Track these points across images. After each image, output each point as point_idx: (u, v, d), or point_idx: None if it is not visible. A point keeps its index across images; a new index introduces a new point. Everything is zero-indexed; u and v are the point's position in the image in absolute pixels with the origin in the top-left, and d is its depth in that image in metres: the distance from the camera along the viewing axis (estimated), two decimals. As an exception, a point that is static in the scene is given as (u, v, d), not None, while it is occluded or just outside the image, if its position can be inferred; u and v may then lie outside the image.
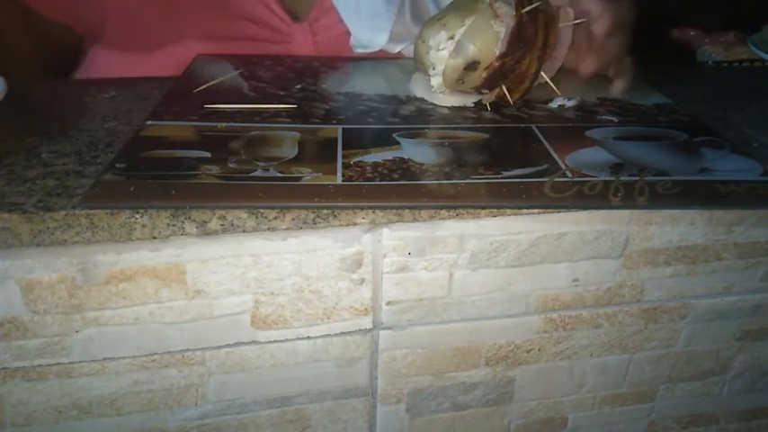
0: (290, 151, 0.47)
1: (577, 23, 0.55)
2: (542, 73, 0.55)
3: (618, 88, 0.58)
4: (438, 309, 0.47)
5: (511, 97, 0.55)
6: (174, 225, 0.40)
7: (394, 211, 0.42)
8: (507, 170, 0.45)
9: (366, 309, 0.46)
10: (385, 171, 0.44)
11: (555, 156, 0.47)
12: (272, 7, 0.68)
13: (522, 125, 0.53)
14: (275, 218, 0.41)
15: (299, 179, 0.43)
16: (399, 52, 0.68)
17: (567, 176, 0.45)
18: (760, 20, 0.68)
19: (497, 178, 0.44)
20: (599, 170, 0.45)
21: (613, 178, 0.44)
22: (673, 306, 0.50)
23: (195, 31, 0.67)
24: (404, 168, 0.45)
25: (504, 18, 0.51)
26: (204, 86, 0.57)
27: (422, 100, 0.57)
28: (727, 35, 0.89)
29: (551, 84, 0.56)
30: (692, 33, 0.92)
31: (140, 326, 0.43)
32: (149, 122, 0.50)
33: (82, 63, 0.70)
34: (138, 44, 0.67)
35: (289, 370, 0.47)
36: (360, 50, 0.66)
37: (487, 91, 0.55)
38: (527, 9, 0.51)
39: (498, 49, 0.51)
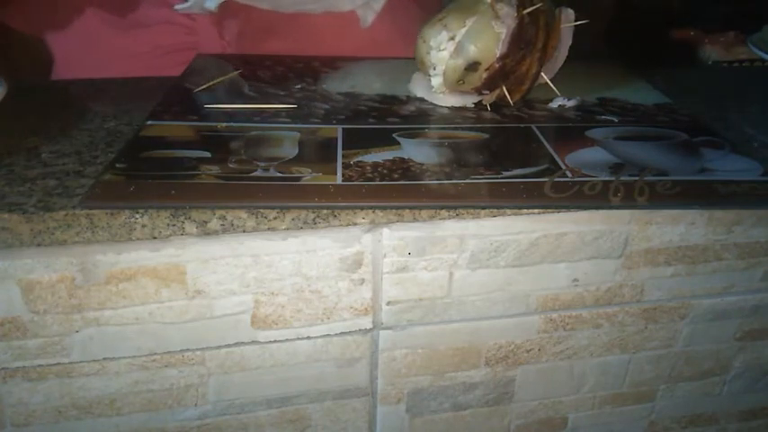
0: (290, 151, 0.47)
1: (578, 24, 0.55)
2: (542, 74, 0.55)
3: None
4: (438, 309, 0.47)
5: (511, 98, 0.55)
6: (174, 225, 0.40)
7: (394, 211, 0.42)
8: (507, 170, 0.45)
9: (366, 309, 0.46)
10: (385, 171, 0.44)
11: (555, 156, 0.47)
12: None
13: (522, 125, 0.53)
14: (275, 218, 0.41)
15: (298, 179, 0.43)
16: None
17: (567, 176, 0.45)
18: (760, 20, 0.68)
19: (497, 178, 0.44)
20: (599, 170, 0.45)
21: (613, 178, 0.44)
22: (673, 306, 0.50)
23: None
24: (404, 168, 0.45)
25: (505, 19, 0.51)
26: (204, 86, 0.57)
27: (422, 100, 0.57)
28: (727, 35, 0.89)
29: (551, 84, 0.56)
30: (691, 33, 0.92)
31: (140, 326, 0.43)
32: (149, 122, 0.50)
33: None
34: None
35: (289, 370, 0.47)
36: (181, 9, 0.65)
37: (488, 92, 0.55)
38: (528, 10, 0.51)
39: (499, 50, 0.51)
